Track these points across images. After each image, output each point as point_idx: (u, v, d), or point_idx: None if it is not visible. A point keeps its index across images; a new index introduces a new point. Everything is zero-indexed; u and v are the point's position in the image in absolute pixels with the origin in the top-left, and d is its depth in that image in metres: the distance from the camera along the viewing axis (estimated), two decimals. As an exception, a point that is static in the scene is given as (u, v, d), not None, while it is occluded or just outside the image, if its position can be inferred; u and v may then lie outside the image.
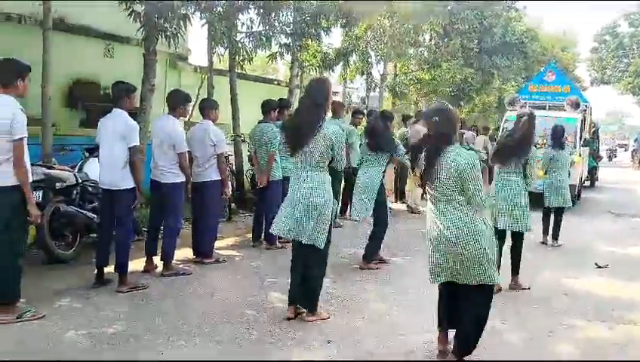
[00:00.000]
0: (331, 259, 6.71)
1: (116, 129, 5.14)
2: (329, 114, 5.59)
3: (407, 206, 10.75)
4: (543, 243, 8.24)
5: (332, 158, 4.53)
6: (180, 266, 6.01)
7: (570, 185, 9.07)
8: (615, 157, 22.36)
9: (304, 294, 4.64)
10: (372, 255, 6.55)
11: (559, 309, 5.25)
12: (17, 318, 4.28)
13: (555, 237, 8.27)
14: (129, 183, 5.18)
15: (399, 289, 5.69)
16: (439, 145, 3.70)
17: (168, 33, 7.45)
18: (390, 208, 7.09)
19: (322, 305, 4.83)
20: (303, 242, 4.48)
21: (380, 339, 4.32)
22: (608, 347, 4.39)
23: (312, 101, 4.46)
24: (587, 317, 5.06)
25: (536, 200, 8.75)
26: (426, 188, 3.83)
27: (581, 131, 12.61)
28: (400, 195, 11.75)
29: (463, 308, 3.80)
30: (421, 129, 10.10)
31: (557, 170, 8.29)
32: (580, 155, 12.36)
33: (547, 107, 13.36)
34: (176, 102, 5.85)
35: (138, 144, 5.23)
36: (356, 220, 6.95)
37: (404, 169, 11.48)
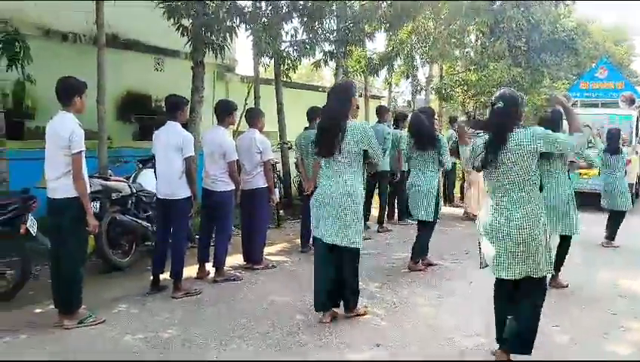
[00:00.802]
0: (380, 263, 6.84)
1: (171, 141, 5.33)
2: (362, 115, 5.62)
3: (465, 212, 10.47)
4: (601, 244, 8.04)
5: (366, 155, 4.56)
6: (232, 272, 6.15)
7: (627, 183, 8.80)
8: None
9: (346, 293, 4.71)
10: (419, 255, 6.55)
11: (615, 311, 5.11)
12: (79, 324, 4.50)
13: (611, 237, 8.03)
14: (185, 193, 5.36)
15: (448, 292, 5.66)
16: (503, 131, 3.65)
17: (215, 46, 7.66)
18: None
19: (369, 307, 4.88)
20: (341, 244, 4.52)
21: (429, 342, 4.32)
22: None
23: (334, 104, 4.56)
24: (645, 319, 4.90)
25: (591, 200, 8.56)
26: (489, 180, 3.80)
27: (637, 128, 12.18)
28: (448, 199, 11.64)
29: (522, 303, 3.75)
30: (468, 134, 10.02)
31: (614, 174, 8.09)
32: (636, 153, 11.93)
33: (600, 104, 12.97)
34: (224, 111, 6.01)
35: (193, 154, 5.41)
36: (412, 221, 6.85)
37: (452, 172, 11.39)
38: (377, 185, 9.16)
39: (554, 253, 5.71)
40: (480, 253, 3.93)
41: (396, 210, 9.85)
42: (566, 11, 20.67)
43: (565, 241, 5.82)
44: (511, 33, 15.87)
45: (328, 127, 4.53)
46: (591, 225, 8.06)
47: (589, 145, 6.44)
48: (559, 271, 5.84)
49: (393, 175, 9.17)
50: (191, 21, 7.51)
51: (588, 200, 9.24)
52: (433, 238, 6.68)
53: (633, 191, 11.60)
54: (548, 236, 3.72)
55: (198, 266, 6.07)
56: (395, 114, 10.14)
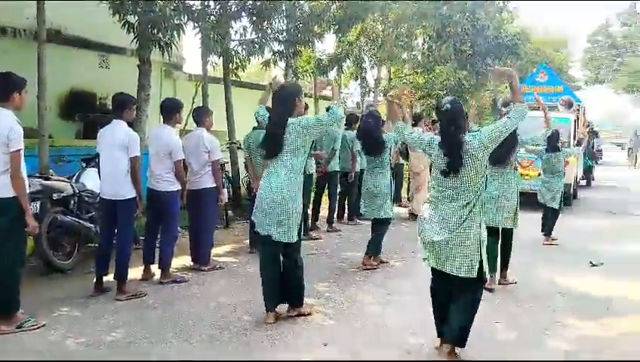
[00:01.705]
0: (329, 263, 6.88)
1: (117, 140, 5.21)
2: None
3: (411, 212, 10.60)
4: (542, 243, 8.37)
5: (309, 146, 4.67)
6: (178, 274, 6.05)
7: (565, 184, 9.19)
8: (600, 158, 21.61)
9: (291, 292, 4.74)
10: (374, 252, 6.67)
11: (554, 307, 5.32)
12: (17, 328, 4.33)
13: (549, 232, 8.38)
14: (131, 193, 5.25)
15: (395, 291, 5.75)
16: (456, 134, 3.79)
17: (162, 43, 7.52)
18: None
19: (317, 307, 4.91)
20: (283, 240, 4.55)
21: (376, 341, 4.37)
22: (602, 345, 4.44)
23: (279, 106, 4.61)
24: (581, 314, 5.11)
25: (531, 200, 8.88)
26: (437, 181, 3.91)
27: (575, 131, 12.70)
28: (396, 199, 11.77)
29: (458, 300, 3.88)
30: (419, 131, 10.19)
31: (551, 172, 8.44)
32: (573, 155, 12.43)
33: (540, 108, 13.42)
34: (170, 110, 5.91)
35: (139, 154, 5.29)
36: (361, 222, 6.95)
37: (400, 173, 11.56)
38: (327, 185, 9.20)
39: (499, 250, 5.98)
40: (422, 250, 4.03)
41: (346, 211, 9.92)
42: (509, 17, 21.35)
43: (508, 237, 6.03)
44: (456, 37, 16.24)
45: (273, 129, 4.57)
46: (531, 225, 8.37)
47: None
48: (507, 268, 6.05)
49: (346, 175, 9.22)
50: (137, 18, 7.34)
51: (528, 201, 9.57)
52: (380, 238, 6.78)
53: (571, 191, 12.10)
54: (484, 238, 3.85)
55: (143, 268, 5.94)
56: (347, 115, 10.22)
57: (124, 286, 5.27)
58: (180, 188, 5.85)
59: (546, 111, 6.52)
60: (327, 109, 4.70)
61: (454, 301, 3.89)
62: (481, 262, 3.82)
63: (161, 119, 6.03)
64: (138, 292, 5.37)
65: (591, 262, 7.09)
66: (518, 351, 4.25)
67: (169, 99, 6.31)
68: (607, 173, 21.69)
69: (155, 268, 5.94)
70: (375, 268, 6.57)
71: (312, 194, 9.06)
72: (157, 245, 5.99)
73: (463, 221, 3.76)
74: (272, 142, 4.57)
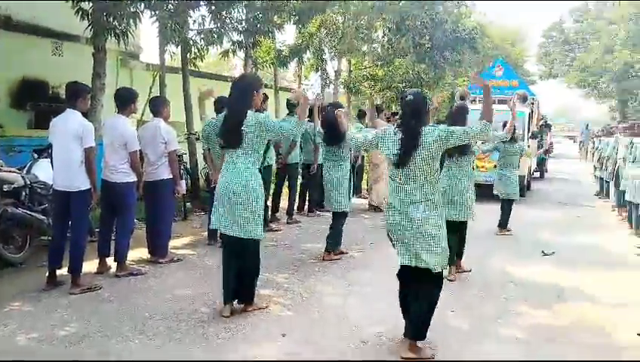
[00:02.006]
0: (288, 254, 6.88)
1: (70, 129, 5.08)
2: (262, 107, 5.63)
3: (370, 204, 10.68)
4: (495, 233, 8.53)
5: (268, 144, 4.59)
6: (134, 266, 5.96)
7: (519, 176, 9.42)
8: (551, 151, 21.85)
9: (244, 288, 4.71)
10: (334, 246, 6.71)
11: (507, 296, 5.46)
12: (-35, 324, 4.20)
13: (504, 225, 8.56)
14: (85, 184, 5.13)
15: (354, 281, 5.80)
16: (416, 125, 3.83)
17: (117, 31, 7.36)
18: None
19: (276, 299, 4.92)
20: (238, 236, 4.51)
21: (335, 331, 4.40)
22: (553, 332, 4.59)
23: (237, 97, 4.54)
24: (533, 303, 5.27)
25: (487, 191, 9.08)
26: (394, 174, 3.94)
27: (529, 124, 13.02)
28: (356, 191, 11.82)
29: (418, 293, 3.93)
30: (381, 123, 10.27)
31: (508, 164, 8.60)
32: (528, 147, 12.76)
33: (496, 101, 13.70)
34: (125, 100, 5.79)
35: (93, 145, 5.17)
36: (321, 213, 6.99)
37: (361, 165, 11.64)
38: (287, 177, 9.19)
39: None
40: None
41: (307, 203, 9.94)
42: (467, 12, 21.70)
43: (463, 228, 6.15)
44: (415, 31, 16.42)
45: (232, 121, 4.50)
46: (486, 215, 8.55)
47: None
48: (461, 257, 6.19)
49: (308, 167, 9.22)
50: (91, 5, 7.15)
51: (482, 192, 9.78)
52: (339, 229, 6.82)
53: (525, 183, 12.43)
54: (444, 232, 3.91)
55: (98, 261, 5.83)
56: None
57: (79, 280, 5.17)
58: (135, 179, 5.75)
59: (514, 118, 6.59)
60: (290, 105, 4.66)
61: (416, 294, 3.94)
62: (444, 254, 3.89)
63: (116, 109, 5.90)
64: (93, 285, 5.27)
65: (543, 252, 7.31)
66: (471, 339, 4.36)
67: (124, 88, 6.18)
68: (559, 166, 22.35)
69: (110, 261, 5.84)
70: (335, 260, 6.61)
71: (273, 186, 9.03)
72: (112, 237, 5.88)
73: (423, 213, 3.81)
74: (230, 134, 4.50)
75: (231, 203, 4.46)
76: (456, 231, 6.06)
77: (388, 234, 4.03)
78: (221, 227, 4.56)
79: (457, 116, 5.95)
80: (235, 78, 4.76)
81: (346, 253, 6.90)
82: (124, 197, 5.70)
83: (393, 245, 4.01)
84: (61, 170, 5.16)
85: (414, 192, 3.85)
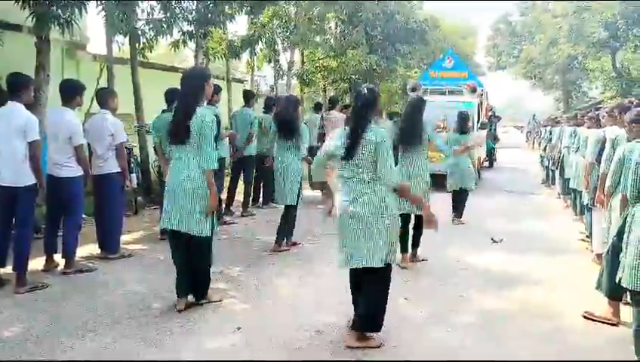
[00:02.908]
0: (243, 247, 6.84)
1: (13, 123, 4.88)
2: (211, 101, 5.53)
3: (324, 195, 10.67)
4: (452, 220, 8.69)
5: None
6: (83, 263, 5.81)
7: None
8: (498, 140, 21.77)
9: (197, 282, 4.67)
10: (283, 238, 6.70)
11: (458, 283, 5.58)
12: None
13: (459, 215, 8.73)
14: (30, 180, 4.95)
15: (308, 273, 5.81)
16: (362, 122, 3.87)
17: (62, 20, 7.08)
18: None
19: (230, 292, 4.88)
20: (193, 233, 4.45)
21: (289, 322, 4.41)
22: (503, 316, 4.72)
23: (186, 91, 4.46)
24: (484, 289, 5.41)
25: (440, 181, 9.23)
26: (342, 169, 3.95)
27: (478, 115, 13.31)
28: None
29: (368, 286, 3.96)
30: (337, 115, 10.28)
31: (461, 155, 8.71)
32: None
33: (447, 92, 13.96)
34: (69, 92, 5.61)
35: (38, 138, 4.99)
36: (276, 205, 7.10)
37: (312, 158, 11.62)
38: (243, 169, 9.10)
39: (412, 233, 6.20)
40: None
41: (261, 194, 9.88)
42: (418, 4, 21.94)
43: (419, 219, 6.24)
44: (368, 22, 16.52)
45: (180, 117, 4.42)
46: (440, 205, 8.69)
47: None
48: (418, 246, 6.31)
49: (262, 159, 9.12)
50: (33, -8, 6.86)
51: (435, 182, 9.93)
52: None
53: (475, 173, 12.70)
54: (393, 228, 3.92)
55: (45, 258, 5.64)
56: (265, 99, 10.16)
57: (24, 278, 4.99)
58: (82, 173, 5.58)
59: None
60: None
61: (365, 288, 3.97)
62: (390, 248, 3.91)
63: (61, 101, 5.70)
64: (40, 283, 5.10)
65: (492, 239, 7.51)
66: (424, 325, 4.44)
67: (68, 80, 5.99)
68: (508, 155, 22.95)
69: (59, 258, 5.66)
70: (286, 251, 6.61)
71: (227, 179, 8.94)
72: (59, 234, 5.70)
73: (375, 208, 3.82)
74: (178, 129, 4.40)
75: (179, 199, 4.40)
76: (410, 220, 6.17)
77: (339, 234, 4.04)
78: (170, 224, 4.48)
79: (414, 110, 6.05)
80: (184, 72, 4.66)
81: (299, 244, 6.90)
82: (71, 193, 5.53)
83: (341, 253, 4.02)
84: (5, 165, 4.95)
85: (359, 186, 3.87)
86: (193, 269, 4.60)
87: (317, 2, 14.38)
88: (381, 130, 3.92)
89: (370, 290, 3.96)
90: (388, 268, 3.96)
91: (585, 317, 4.61)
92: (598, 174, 5.72)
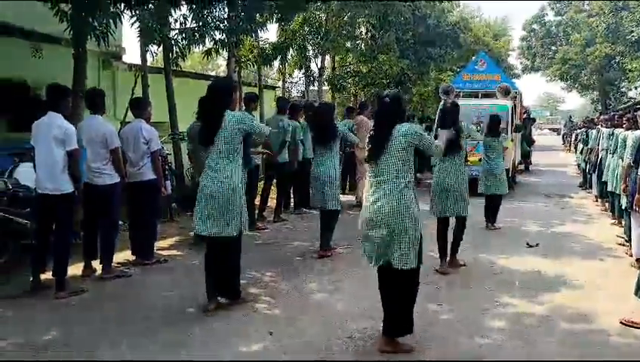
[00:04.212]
0: (275, 252, 6.88)
1: (53, 133, 5.03)
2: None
3: (357, 199, 10.67)
4: (486, 227, 8.52)
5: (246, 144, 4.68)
6: (120, 269, 5.93)
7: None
8: (533, 142, 20.69)
9: (229, 285, 4.77)
10: (327, 243, 6.73)
11: (492, 288, 5.49)
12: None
13: (493, 221, 8.58)
14: (69, 187, 5.09)
15: (341, 278, 5.81)
16: (390, 124, 3.88)
17: (98, 32, 7.27)
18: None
19: (263, 297, 4.93)
20: (224, 234, 4.54)
21: (321, 328, 4.41)
22: (538, 322, 4.63)
23: (212, 99, 4.61)
24: (518, 294, 5.31)
25: (477, 186, 9.12)
26: (370, 170, 3.97)
27: (512, 117, 13.11)
28: (350, 187, 11.75)
29: (395, 290, 3.95)
30: (365, 119, 10.27)
31: (493, 157, 8.59)
32: (512, 141, 12.84)
33: (480, 95, 13.79)
34: (93, 99, 5.76)
35: (77, 147, 5.13)
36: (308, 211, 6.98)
37: (353, 160, 11.60)
38: (276, 176, 9.16)
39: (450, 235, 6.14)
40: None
41: (292, 200, 9.93)
42: (449, 6, 21.77)
43: (460, 223, 6.20)
44: (398, 27, 16.46)
45: (209, 121, 4.56)
46: (476, 209, 8.59)
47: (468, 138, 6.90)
48: (457, 251, 6.24)
49: (289, 164, 9.17)
50: (70, 6, 7.07)
51: (471, 186, 9.81)
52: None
53: (510, 176, 12.52)
54: (419, 230, 3.90)
55: (83, 264, 5.78)
56: (290, 105, 10.20)
57: (64, 284, 5.12)
58: (118, 180, 5.71)
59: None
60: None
61: (393, 291, 3.95)
62: (419, 252, 3.89)
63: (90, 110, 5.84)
64: (79, 289, 5.23)
65: (527, 243, 7.37)
66: (457, 331, 4.38)
67: (92, 89, 6.16)
68: (544, 158, 22.52)
69: (96, 264, 5.79)
70: (328, 256, 6.62)
71: (260, 185, 9.02)
72: (97, 240, 5.83)
73: (396, 210, 3.81)
74: (208, 135, 4.54)
75: (210, 203, 4.49)
76: (448, 225, 6.12)
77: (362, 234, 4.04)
78: (203, 230, 4.58)
79: (450, 114, 6.00)
80: (211, 84, 4.79)
81: (335, 249, 6.91)
82: (108, 200, 5.66)
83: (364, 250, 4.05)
84: (45, 174, 5.11)
85: (385, 187, 3.86)
86: (224, 272, 4.68)
87: (347, 7, 14.38)
88: (408, 125, 3.95)
89: (393, 293, 3.94)
90: (413, 270, 3.92)
91: (622, 323, 4.49)
92: (636, 176, 5.57)
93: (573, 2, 38.24)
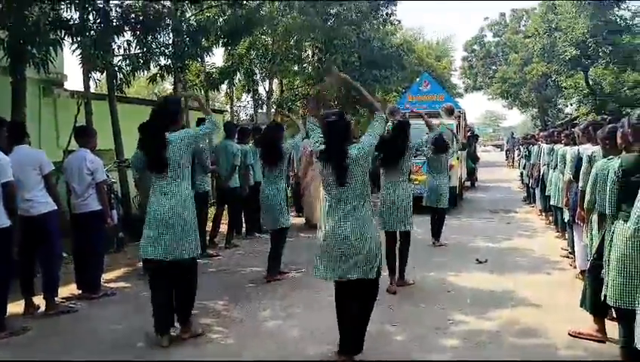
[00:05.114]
0: (228, 279, 6.78)
1: None
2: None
3: (306, 220, 10.70)
4: (433, 244, 8.64)
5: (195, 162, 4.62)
6: (65, 304, 5.70)
7: (450, 187, 9.68)
8: (477, 160, 21.56)
9: (182, 309, 4.65)
10: (275, 268, 6.68)
11: (444, 306, 5.57)
12: None
13: (437, 236, 8.73)
14: (4, 222, 4.82)
15: (294, 303, 5.76)
16: (343, 145, 3.89)
17: (37, 59, 7.08)
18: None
19: (216, 327, 4.82)
20: (179, 258, 4.46)
21: (277, 354, 4.36)
22: (488, 336, 4.72)
23: (156, 120, 4.56)
24: (468, 310, 5.41)
25: (417, 203, 9.26)
26: (327, 190, 3.99)
27: (457, 136, 13.43)
28: (299, 209, 11.74)
29: (352, 306, 3.99)
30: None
31: (438, 174, 8.76)
32: (457, 158, 13.16)
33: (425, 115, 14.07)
34: (16, 131, 5.54)
35: (12, 178, 4.89)
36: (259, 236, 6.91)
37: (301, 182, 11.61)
38: (227, 202, 9.05)
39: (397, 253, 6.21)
40: (316, 259, 4.08)
41: (244, 225, 9.83)
42: (393, 29, 22.28)
43: (405, 240, 6.30)
44: (344, 49, 16.72)
45: (155, 146, 4.47)
46: (423, 227, 8.74)
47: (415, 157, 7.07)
48: (404, 270, 6.31)
49: (241, 189, 9.09)
50: (7, 32, 6.86)
51: (418, 204, 9.97)
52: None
53: (456, 193, 12.80)
54: (378, 244, 3.97)
55: (24, 302, 5.52)
56: (239, 129, 10.15)
57: (3, 324, 4.86)
58: (56, 208, 5.48)
59: (424, 117, 6.95)
60: (200, 122, 4.69)
61: (351, 308, 3.98)
62: (378, 264, 3.94)
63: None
64: (21, 328, 4.97)
65: (477, 260, 7.53)
66: (412, 350, 4.41)
67: (10, 122, 5.86)
68: (489, 174, 23.15)
69: (39, 300, 5.54)
70: (278, 280, 6.57)
71: (211, 211, 8.88)
72: (37, 275, 5.59)
73: (355, 228, 3.85)
74: (156, 160, 4.46)
75: (161, 227, 4.41)
76: (396, 242, 6.19)
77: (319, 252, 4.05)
78: (152, 253, 4.47)
79: (399, 132, 6.10)
80: (155, 104, 4.73)
81: (287, 273, 6.86)
82: (47, 229, 5.41)
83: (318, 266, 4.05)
84: None
85: (346, 207, 3.89)
86: (178, 296, 4.58)
87: (293, 31, 14.52)
88: (357, 145, 3.99)
89: (354, 308, 3.98)
90: (376, 284, 3.98)
91: (571, 334, 4.63)
92: (576, 191, 5.79)
93: (510, 24, 39.92)
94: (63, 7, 7.57)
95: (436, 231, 8.74)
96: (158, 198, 4.47)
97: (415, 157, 7.59)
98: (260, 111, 16.98)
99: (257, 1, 12.33)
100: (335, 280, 4.00)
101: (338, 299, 4.12)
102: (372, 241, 3.91)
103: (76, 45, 7.69)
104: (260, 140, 6.82)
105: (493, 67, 42.09)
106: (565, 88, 28.89)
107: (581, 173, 5.50)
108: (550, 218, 10.09)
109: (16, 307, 5.43)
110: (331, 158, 3.92)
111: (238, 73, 14.24)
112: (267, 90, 16.21)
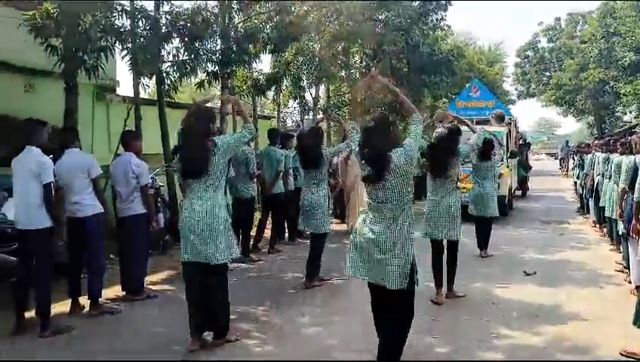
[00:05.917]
0: (268, 284, 6.76)
1: (27, 167, 4.96)
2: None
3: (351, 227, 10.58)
4: (480, 255, 8.37)
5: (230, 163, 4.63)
6: (109, 305, 5.81)
7: (500, 196, 9.37)
8: (529, 168, 20.70)
9: (215, 319, 4.61)
10: (314, 274, 6.61)
11: (489, 318, 5.38)
12: None
13: (484, 246, 8.47)
14: (45, 222, 4.98)
15: (334, 310, 5.69)
16: (382, 148, 3.80)
17: (88, 66, 7.28)
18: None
19: (254, 332, 4.80)
20: (211, 262, 4.44)
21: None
22: (533, 352, 4.52)
23: (192, 130, 4.54)
24: (514, 324, 5.20)
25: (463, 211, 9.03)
26: (368, 193, 3.92)
27: (507, 143, 13.09)
28: (342, 215, 11.66)
29: (389, 317, 3.88)
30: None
31: (484, 181, 8.52)
32: (507, 167, 12.81)
33: (474, 122, 13.77)
34: (67, 136, 5.74)
35: (52, 180, 5.04)
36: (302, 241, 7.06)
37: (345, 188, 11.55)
38: (271, 207, 9.08)
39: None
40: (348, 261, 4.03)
41: (287, 230, 9.84)
42: (443, 34, 21.95)
43: (453, 250, 6.11)
44: (392, 54, 16.57)
45: (194, 151, 4.48)
46: (467, 236, 8.48)
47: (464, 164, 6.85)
48: (453, 281, 6.11)
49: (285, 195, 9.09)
50: (60, 41, 7.09)
51: (467, 213, 9.71)
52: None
53: (506, 202, 12.43)
54: (413, 255, 3.84)
55: (70, 301, 5.65)
56: (281, 134, 10.17)
57: (49, 322, 4.98)
58: (102, 210, 5.61)
59: (465, 121, 6.71)
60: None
61: (387, 317, 3.87)
62: (412, 275, 3.81)
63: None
64: (65, 327, 5.09)
65: (525, 272, 7.26)
66: (454, 365, 4.27)
67: (64, 126, 6.03)
68: (541, 183, 22.46)
69: (84, 301, 5.67)
70: (317, 286, 6.50)
71: (256, 215, 8.93)
72: (83, 276, 5.72)
73: (393, 233, 3.77)
74: (194, 165, 4.46)
75: (194, 232, 4.41)
76: (443, 252, 6.02)
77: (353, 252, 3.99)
78: (184, 256, 4.51)
79: (449, 140, 5.93)
80: (189, 112, 4.74)
81: (328, 280, 6.79)
82: (92, 232, 5.54)
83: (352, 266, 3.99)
84: (21, 209, 5.03)
85: (384, 211, 3.81)
86: (212, 306, 4.55)
87: (340, 37, 14.46)
88: (401, 150, 3.87)
89: (391, 320, 3.87)
90: (412, 294, 3.86)
91: (622, 354, 4.37)
92: (632, 202, 5.50)
93: (565, 29, 38.75)
94: (115, 15, 7.75)
95: (482, 241, 8.48)
96: (190, 202, 4.49)
97: (463, 164, 7.39)
98: (306, 117, 16.98)
99: (305, 8, 12.35)
100: (368, 282, 3.94)
101: (374, 309, 4.04)
102: (406, 251, 3.79)
103: (126, 52, 7.86)
104: (297, 145, 6.82)
105: (547, 73, 40.90)
106: (624, 95, 27.73)
107: (637, 183, 5.21)
108: (604, 230, 9.65)
109: (63, 306, 5.57)
110: (370, 162, 3.83)
111: (285, 79, 14.28)
112: (314, 96, 16.19)
